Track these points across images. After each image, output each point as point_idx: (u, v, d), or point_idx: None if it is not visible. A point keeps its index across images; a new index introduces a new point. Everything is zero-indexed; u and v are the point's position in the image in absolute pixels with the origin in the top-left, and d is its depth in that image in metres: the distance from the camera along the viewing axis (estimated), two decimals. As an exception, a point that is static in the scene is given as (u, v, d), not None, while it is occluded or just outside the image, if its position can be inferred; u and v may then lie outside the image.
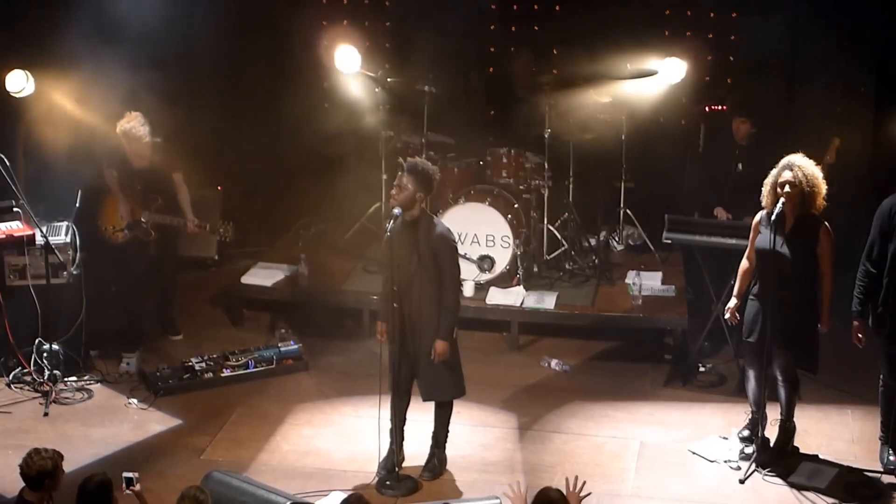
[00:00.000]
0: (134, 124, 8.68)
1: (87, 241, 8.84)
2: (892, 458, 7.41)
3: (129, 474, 5.94)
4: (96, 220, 8.99)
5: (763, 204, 7.31)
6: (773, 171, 7.24)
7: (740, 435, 7.76)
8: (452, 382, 7.25)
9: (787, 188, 7.12)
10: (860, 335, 7.28)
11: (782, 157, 7.29)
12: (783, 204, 7.12)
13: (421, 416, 7.47)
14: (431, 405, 7.37)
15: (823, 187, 7.18)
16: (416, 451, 7.47)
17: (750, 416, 7.74)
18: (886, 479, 7.27)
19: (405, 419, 7.36)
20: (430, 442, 7.44)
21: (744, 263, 7.54)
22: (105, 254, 9.10)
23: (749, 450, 7.48)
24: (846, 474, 7.32)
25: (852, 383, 8.36)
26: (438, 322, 7.07)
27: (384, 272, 7.24)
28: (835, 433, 7.89)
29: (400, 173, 7.02)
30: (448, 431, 7.43)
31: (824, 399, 8.26)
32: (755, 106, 8.89)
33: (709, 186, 9.01)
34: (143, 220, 8.88)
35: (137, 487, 5.93)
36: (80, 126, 9.13)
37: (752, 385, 7.57)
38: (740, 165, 8.72)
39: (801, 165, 7.14)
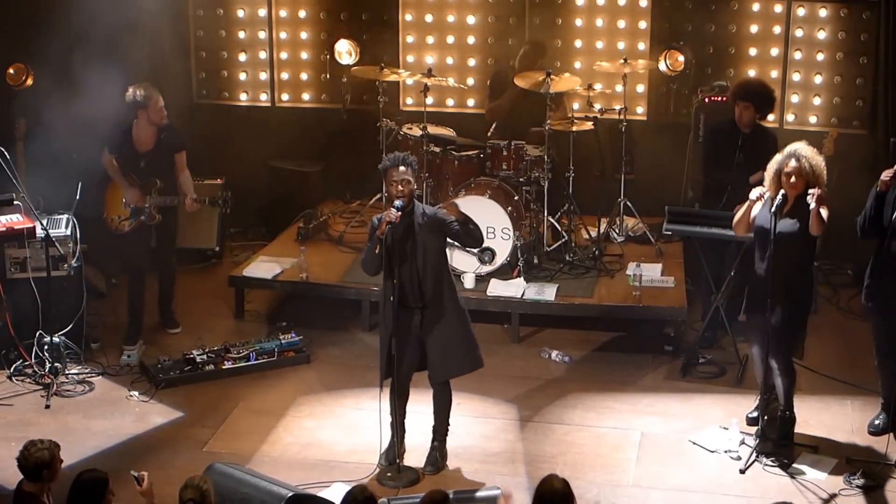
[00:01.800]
0: (151, 91, 8.75)
1: (90, 234, 8.84)
2: (877, 421, 7.54)
3: (136, 474, 5.93)
4: (101, 212, 9.00)
5: (766, 189, 7.28)
6: (778, 158, 7.20)
7: (749, 415, 7.78)
8: (466, 355, 7.24)
9: (792, 178, 7.10)
10: None
11: (781, 145, 7.29)
12: (783, 195, 7.12)
13: (421, 408, 7.48)
14: (429, 398, 7.36)
15: (825, 177, 7.18)
16: (418, 443, 7.48)
17: (758, 397, 7.75)
18: (887, 468, 7.29)
19: (405, 413, 7.36)
20: (430, 435, 7.42)
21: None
22: (106, 246, 9.11)
23: (751, 440, 7.50)
24: (846, 464, 7.33)
25: (852, 373, 8.37)
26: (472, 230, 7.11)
27: (388, 264, 7.06)
28: (835, 423, 7.89)
29: (397, 170, 6.95)
30: (449, 424, 7.42)
31: (824, 389, 8.27)
32: (757, 91, 8.83)
33: (711, 176, 8.96)
34: (145, 204, 8.90)
35: (145, 485, 5.89)
36: (81, 118, 9.13)
37: (756, 365, 7.56)
38: (742, 153, 8.68)
39: (806, 156, 7.11)
